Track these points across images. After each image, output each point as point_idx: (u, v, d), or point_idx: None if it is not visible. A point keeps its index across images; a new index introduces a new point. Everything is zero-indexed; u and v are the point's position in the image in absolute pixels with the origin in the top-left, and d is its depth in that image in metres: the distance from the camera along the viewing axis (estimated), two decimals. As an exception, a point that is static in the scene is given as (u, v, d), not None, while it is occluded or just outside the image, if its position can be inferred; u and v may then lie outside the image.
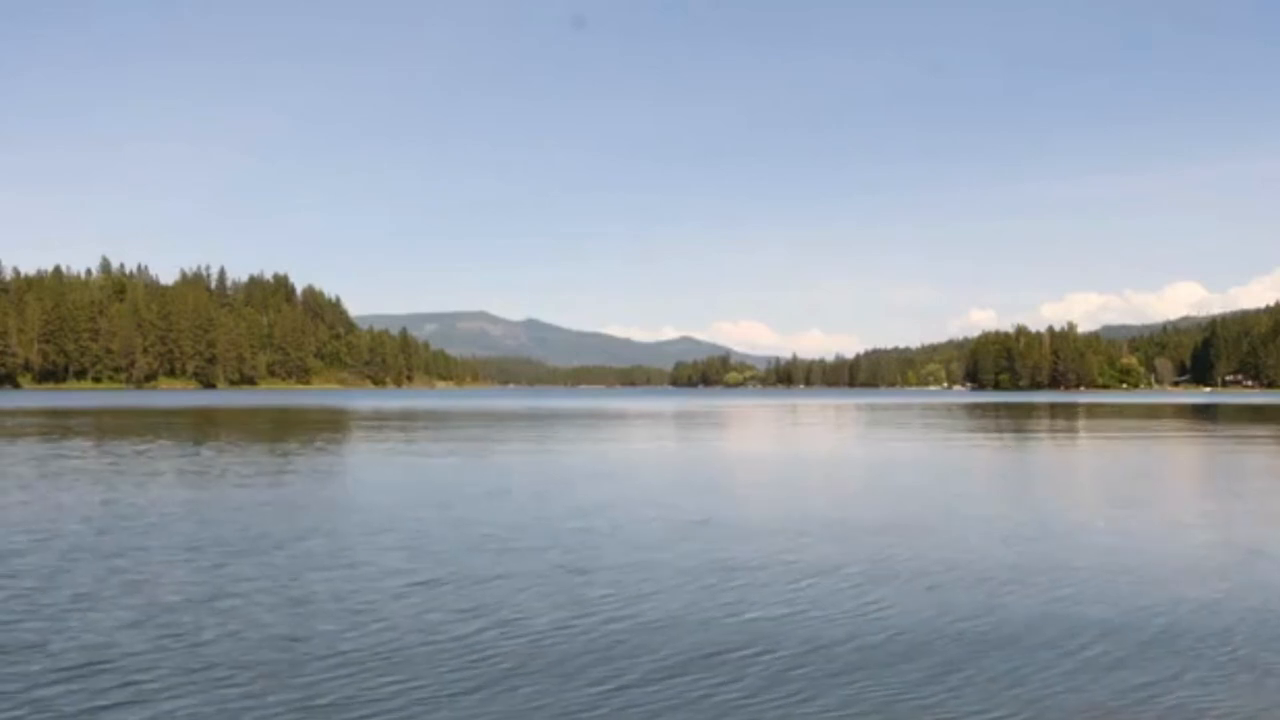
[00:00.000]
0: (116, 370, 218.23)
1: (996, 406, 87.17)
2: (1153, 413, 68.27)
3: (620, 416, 58.82)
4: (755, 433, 41.86)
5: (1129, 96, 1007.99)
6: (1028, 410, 74.74)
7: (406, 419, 52.10)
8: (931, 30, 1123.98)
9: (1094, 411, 71.96)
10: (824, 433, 42.17)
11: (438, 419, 52.48)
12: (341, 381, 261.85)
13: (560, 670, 6.66)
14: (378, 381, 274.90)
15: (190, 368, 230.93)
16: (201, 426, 42.25)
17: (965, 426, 46.35)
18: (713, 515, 13.96)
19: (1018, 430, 43.12)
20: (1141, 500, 16.84)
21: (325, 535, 12.08)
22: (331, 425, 44.68)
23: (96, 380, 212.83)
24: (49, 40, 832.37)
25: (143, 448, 27.24)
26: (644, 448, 31.05)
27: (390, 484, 18.94)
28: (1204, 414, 65.98)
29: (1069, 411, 72.46)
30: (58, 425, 41.62)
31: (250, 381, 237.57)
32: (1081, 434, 40.59)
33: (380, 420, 50.10)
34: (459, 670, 6.63)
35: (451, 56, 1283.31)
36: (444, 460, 24.97)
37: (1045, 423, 52.15)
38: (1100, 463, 26.01)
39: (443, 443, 31.97)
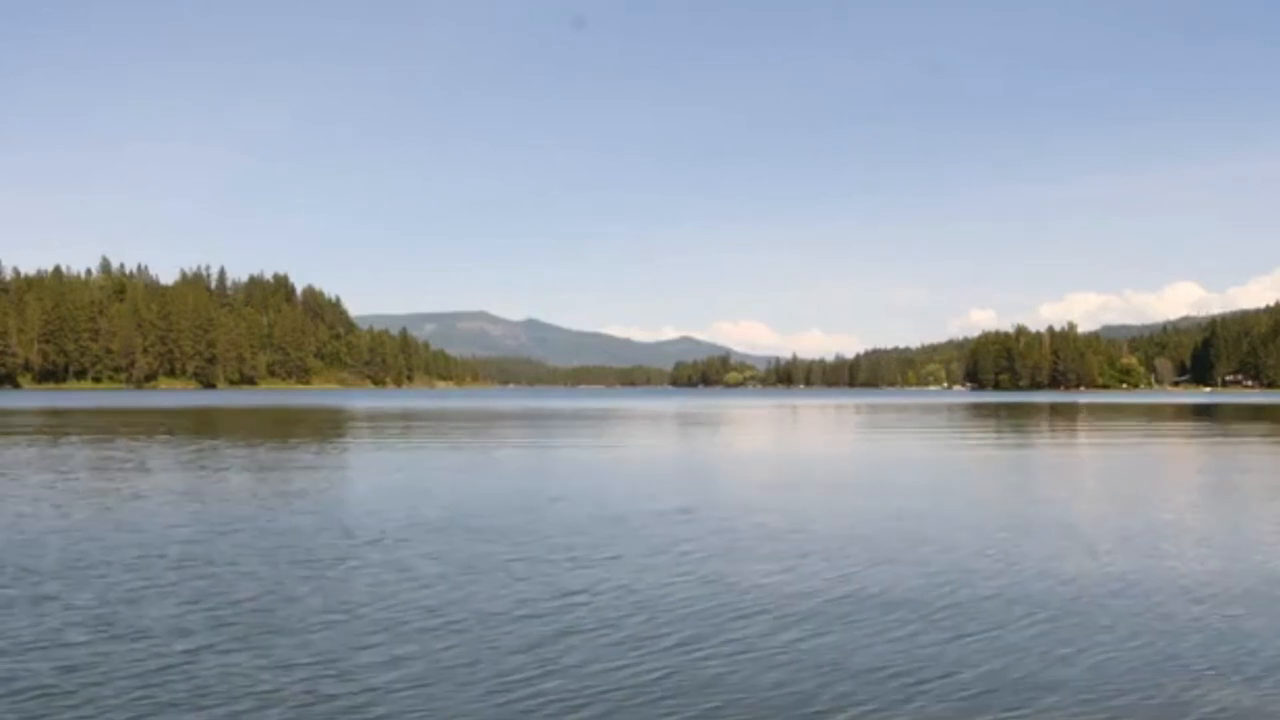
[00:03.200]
0: (116, 370, 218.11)
1: (997, 407, 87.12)
2: (1154, 413, 68.33)
3: (627, 417, 58.83)
4: (767, 434, 41.93)
5: (1129, 96, 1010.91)
6: (1032, 411, 74.78)
7: (417, 420, 52.11)
8: (931, 30, 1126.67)
9: (1095, 412, 71.99)
10: (836, 435, 42.25)
11: (446, 420, 52.51)
12: (341, 381, 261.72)
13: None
14: (378, 381, 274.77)
15: (190, 368, 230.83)
16: (211, 428, 42.26)
17: (991, 428, 46.42)
18: (783, 519, 13.97)
19: (1050, 436, 43.19)
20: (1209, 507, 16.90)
21: (400, 543, 11.53)
22: (342, 427, 44.71)
23: (96, 380, 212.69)
24: (49, 40, 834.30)
25: (160, 450, 27.27)
26: (663, 449, 31.12)
27: (438, 487, 18.24)
28: (1209, 414, 66.01)
29: (1070, 412, 72.52)
30: (64, 426, 41.64)
31: (250, 381, 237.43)
32: (1084, 435, 40.66)
33: (391, 421, 50.13)
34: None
35: (451, 56, 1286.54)
36: (476, 463, 24.92)
37: (1051, 424, 52.23)
38: (1109, 464, 26.07)
39: (464, 445, 31.95)
